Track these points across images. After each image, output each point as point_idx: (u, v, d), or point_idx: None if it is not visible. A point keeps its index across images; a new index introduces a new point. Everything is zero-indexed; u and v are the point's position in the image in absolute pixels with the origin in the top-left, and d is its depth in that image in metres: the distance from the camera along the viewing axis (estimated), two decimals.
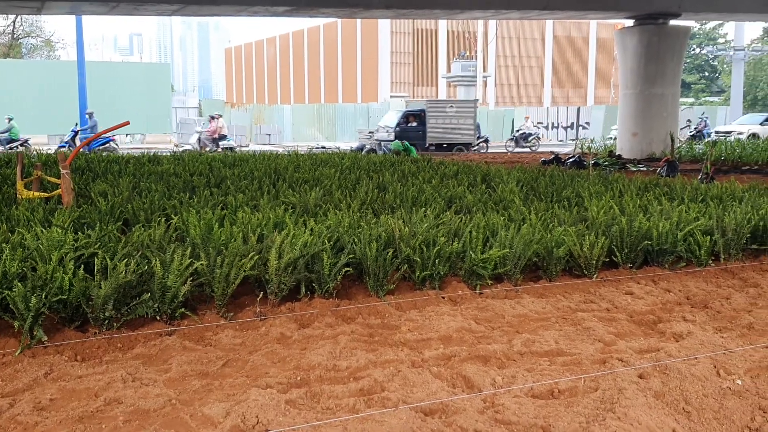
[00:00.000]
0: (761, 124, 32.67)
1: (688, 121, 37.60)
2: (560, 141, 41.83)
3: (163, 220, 5.97)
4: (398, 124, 26.26)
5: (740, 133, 30.40)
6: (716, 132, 32.63)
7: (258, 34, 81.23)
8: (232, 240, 4.98)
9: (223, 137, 23.11)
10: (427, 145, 26.65)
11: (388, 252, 4.93)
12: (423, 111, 27.20)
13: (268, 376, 3.56)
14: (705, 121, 34.22)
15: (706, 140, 26.76)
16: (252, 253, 4.66)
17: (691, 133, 31.86)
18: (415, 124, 26.80)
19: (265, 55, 77.56)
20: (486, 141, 29.50)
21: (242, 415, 3.03)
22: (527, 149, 29.25)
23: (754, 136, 29.96)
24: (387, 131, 25.84)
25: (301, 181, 9.77)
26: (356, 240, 5.16)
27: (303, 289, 4.78)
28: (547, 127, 43.72)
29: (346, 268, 4.89)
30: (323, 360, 3.74)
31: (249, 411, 3.06)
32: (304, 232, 5.12)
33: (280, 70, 74.61)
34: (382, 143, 24.94)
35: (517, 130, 31.72)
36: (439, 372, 3.58)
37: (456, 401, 3.18)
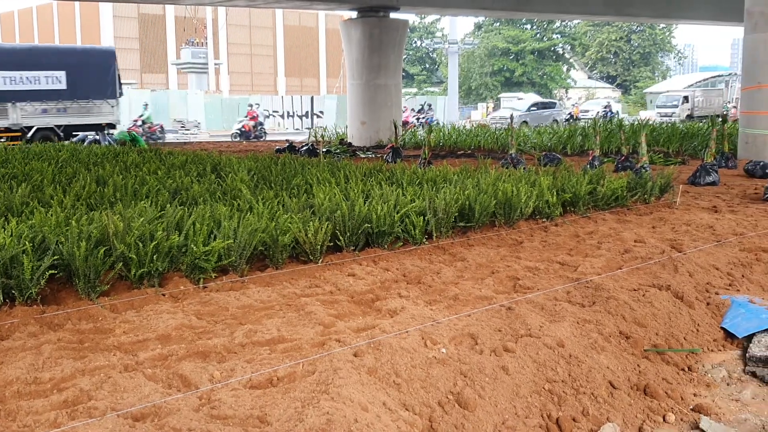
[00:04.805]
0: None
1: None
2: (296, 129, 42.54)
3: None
4: None
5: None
6: None
7: None
8: None
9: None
10: None
11: (99, 250, 4.59)
12: None
13: None
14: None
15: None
16: None
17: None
18: None
19: None
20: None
21: None
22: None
23: None
24: None
25: (7, 177, 8.82)
26: (63, 239, 4.75)
27: (1, 298, 4.29)
28: (282, 116, 44.33)
29: (51, 271, 4.47)
30: (22, 374, 3.38)
31: None
32: (2, 234, 4.60)
33: None
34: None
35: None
36: (154, 374, 3.41)
37: (170, 402, 3.05)
